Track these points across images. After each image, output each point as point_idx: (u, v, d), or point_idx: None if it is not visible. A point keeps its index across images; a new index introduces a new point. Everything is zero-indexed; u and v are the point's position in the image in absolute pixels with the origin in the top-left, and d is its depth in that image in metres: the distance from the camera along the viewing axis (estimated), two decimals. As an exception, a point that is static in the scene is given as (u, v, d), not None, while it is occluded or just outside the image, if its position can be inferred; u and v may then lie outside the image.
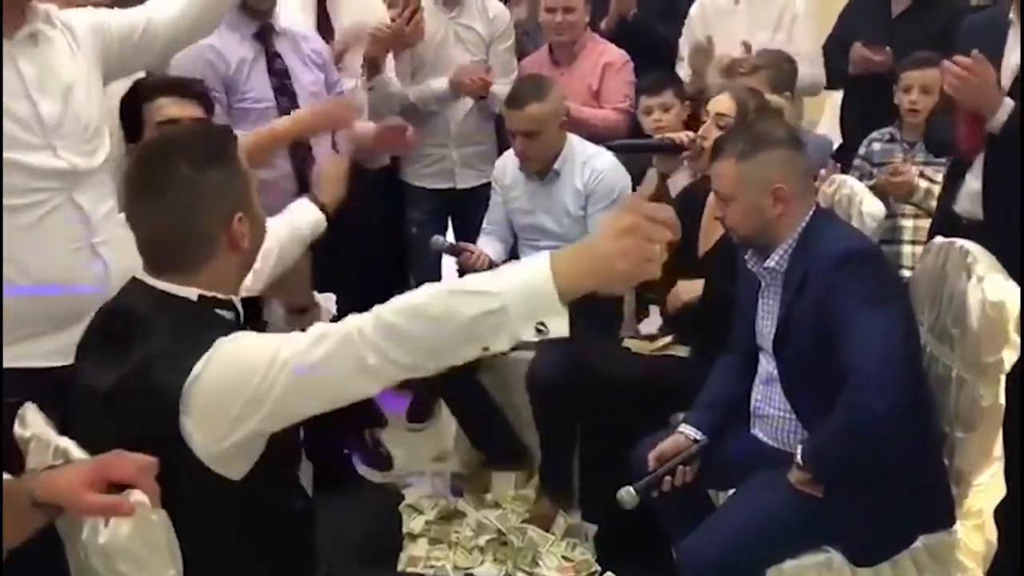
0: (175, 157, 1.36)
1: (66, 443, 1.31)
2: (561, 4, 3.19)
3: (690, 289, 2.55)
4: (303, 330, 1.25)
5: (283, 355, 1.22)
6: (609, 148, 2.74)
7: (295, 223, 2.07)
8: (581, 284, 1.18)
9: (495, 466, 2.98)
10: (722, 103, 2.55)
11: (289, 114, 2.67)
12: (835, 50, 3.31)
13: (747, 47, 3.14)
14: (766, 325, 2.03)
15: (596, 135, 3.11)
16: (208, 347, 1.24)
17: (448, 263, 3.41)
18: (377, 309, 1.22)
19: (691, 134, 2.59)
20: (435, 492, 2.97)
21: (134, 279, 1.40)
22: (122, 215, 1.49)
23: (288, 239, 2.02)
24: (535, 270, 1.18)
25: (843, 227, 2.00)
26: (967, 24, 2.40)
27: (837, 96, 3.62)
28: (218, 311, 1.36)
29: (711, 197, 2.57)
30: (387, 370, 1.21)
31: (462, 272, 3.04)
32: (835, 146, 3.30)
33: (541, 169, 2.86)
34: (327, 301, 2.29)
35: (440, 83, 3.16)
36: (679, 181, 2.91)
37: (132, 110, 2.16)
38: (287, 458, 1.44)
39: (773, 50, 3.05)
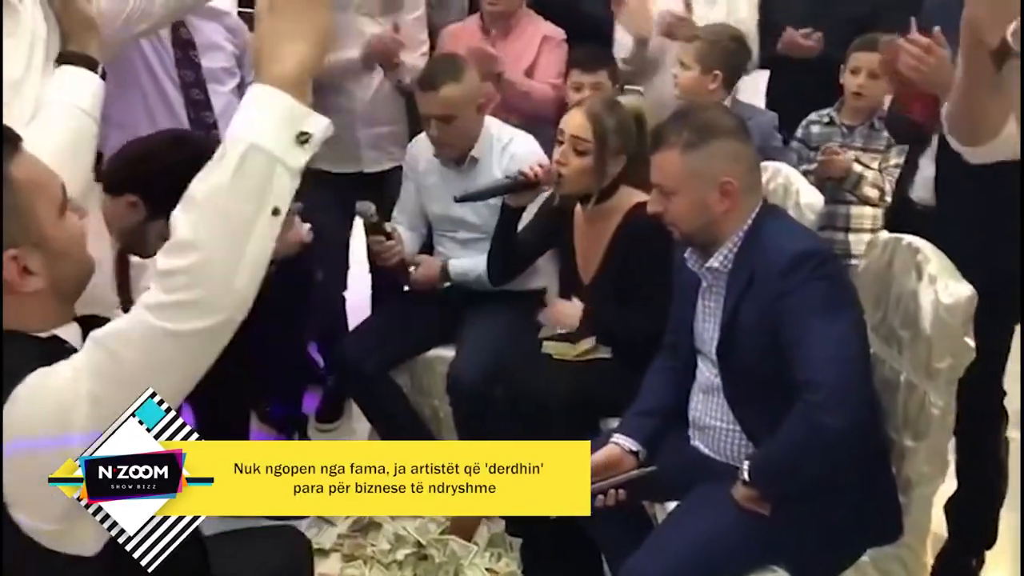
0: None
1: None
2: None
3: (568, 314, 2.40)
4: None
5: (78, 379, 1.02)
6: (457, 202, 2.51)
7: None
8: (299, 67, 1.07)
9: (411, 471, 2.80)
10: (575, 123, 2.30)
11: (193, 86, 2.47)
12: (760, 29, 3.19)
13: (688, 5, 2.97)
14: (707, 329, 1.89)
15: (531, 109, 2.92)
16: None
17: (356, 250, 3.18)
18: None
19: (544, 163, 2.38)
20: (346, 500, 2.78)
21: None
22: None
23: None
24: (251, 93, 1.08)
25: (793, 225, 1.87)
26: (927, 5, 2.31)
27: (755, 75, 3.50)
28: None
29: (579, 218, 2.44)
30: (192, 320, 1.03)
31: (371, 257, 2.81)
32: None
33: (458, 156, 2.66)
34: None
35: (348, 54, 2.90)
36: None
37: None
38: None
39: (722, 25, 2.88)
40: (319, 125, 1.09)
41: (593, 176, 2.31)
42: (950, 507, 2.30)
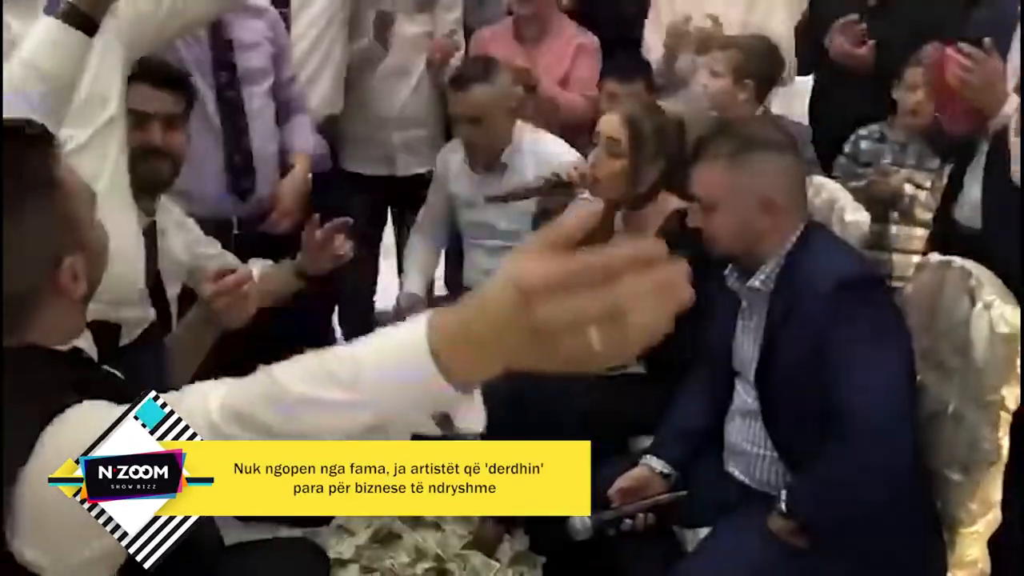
0: None
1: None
2: None
3: None
4: None
5: None
6: (488, 201, 2.45)
7: None
8: (479, 379, 0.83)
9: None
10: (610, 125, 2.25)
11: (228, 87, 2.42)
12: (805, 35, 3.10)
13: (714, 20, 2.88)
14: (746, 351, 1.81)
15: (561, 121, 2.86)
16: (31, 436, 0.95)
17: (387, 265, 3.18)
18: (227, 389, 0.94)
19: (579, 166, 2.32)
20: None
21: None
22: None
23: None
24: (412, 363, 0.81)
25: (840, 246, 1.79)
26: (976, 20, 2.21)
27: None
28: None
29: (617, 223, 2.35)
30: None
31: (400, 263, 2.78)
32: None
33: (488, 160, 2.60)
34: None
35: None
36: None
37: None
38: None
39: (757, 35, 2.79)
40: (473, 422, 0.86)
41: (628, 180, 2.24)
42: (994, 541, 2.20)
